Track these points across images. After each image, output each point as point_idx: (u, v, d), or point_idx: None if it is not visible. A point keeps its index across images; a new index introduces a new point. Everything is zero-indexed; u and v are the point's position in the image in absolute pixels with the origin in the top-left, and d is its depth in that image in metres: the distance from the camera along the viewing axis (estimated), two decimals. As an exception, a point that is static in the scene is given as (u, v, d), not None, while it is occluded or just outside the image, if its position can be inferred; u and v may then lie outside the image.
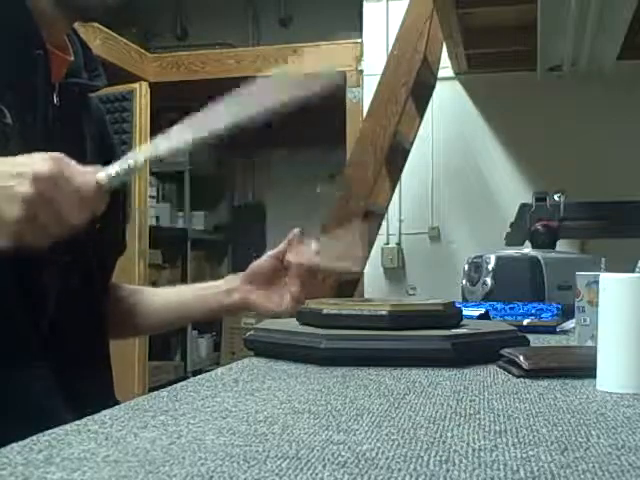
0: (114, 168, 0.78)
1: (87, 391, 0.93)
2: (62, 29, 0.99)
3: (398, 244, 3.57)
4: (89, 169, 0.76)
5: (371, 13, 3.61)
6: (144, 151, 0.79)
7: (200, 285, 1.21)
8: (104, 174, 0.77)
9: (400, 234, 3.56)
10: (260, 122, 0.83)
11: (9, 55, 0.90)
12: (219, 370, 0.91)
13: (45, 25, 0.93)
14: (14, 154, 0.86)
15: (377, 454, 0.52)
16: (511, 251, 1.93)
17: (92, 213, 0.75)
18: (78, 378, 0.94)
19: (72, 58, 1.00)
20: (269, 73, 0.88)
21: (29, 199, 0.70)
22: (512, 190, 3.32)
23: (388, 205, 3.14)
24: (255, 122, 0.84)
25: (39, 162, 0.72)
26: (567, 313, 1.43)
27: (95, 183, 0.75)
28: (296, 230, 1.14)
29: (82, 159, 1.00)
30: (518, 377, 0.85)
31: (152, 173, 3.82)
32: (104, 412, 0.65)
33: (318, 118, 3.98)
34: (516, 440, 0.56)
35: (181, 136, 0.81)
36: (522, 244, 2.26)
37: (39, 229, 0.72)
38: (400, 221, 3.55)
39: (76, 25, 1.04)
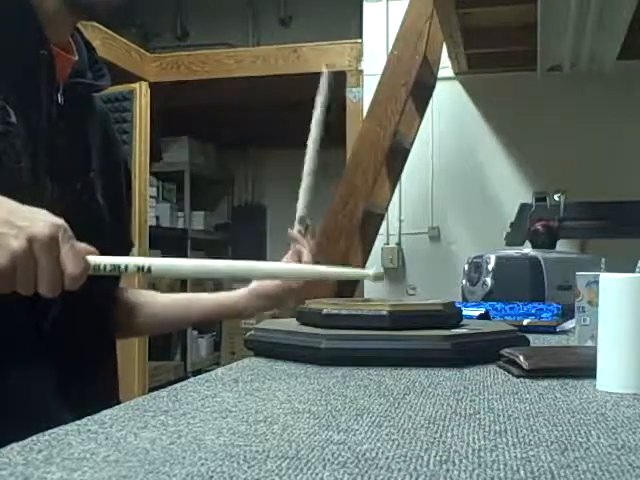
0: (107, 262, 0.77)
1: (89, 392, 0.93)
2: (66, 29, 0.99)
3: (398, 244, 3.56)
4: (84, 247, 0.75)
5: (371, 13, 3.61)
6: (140, 261, 0.79)
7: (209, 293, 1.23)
8: (95, 262, 0.76)
9: (400, 234, 3.56)
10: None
11: (14, 55, 0.90)
12: (219, 370, 0.91)
13: (49, 25, 0.93)
14: (19, 154, 0.87)
15: (377, 454, 0.52)
16: (511, 251, 1.93)
17: (67, 287, 0.74)
18: (80, 379, 0.94)
19: (76, 58, 1.00)
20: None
21: (17, 255, 0.69)
22: (512, 190, 3.31)
23: (388, 205, 3.14)
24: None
25: (41, 224, 0.71)
26: (567, 313, 1.43)
27: (83, 267, 0.74)
28: (290, 231, 1.15)
29: (86, 159, 1.00)
30: (518, 377, 0.85)
31: (152, 173, 3.82)
32: (104, 412, 0.65)
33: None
34: (516, 440, 0.56)
35: (180, 267, 0.83)
36: (522, 244, 2.26)
37: (9, 281, 0.71)
38: (400, 221, 3.55)
39: (77, 25, 1.04)
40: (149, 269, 0.78)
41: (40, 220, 0.72)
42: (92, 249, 0.76)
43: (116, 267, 0.77)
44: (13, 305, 0.87)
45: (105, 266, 0.77)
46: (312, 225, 1.19)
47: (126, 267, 0.77)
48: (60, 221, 0.73)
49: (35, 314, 0.90)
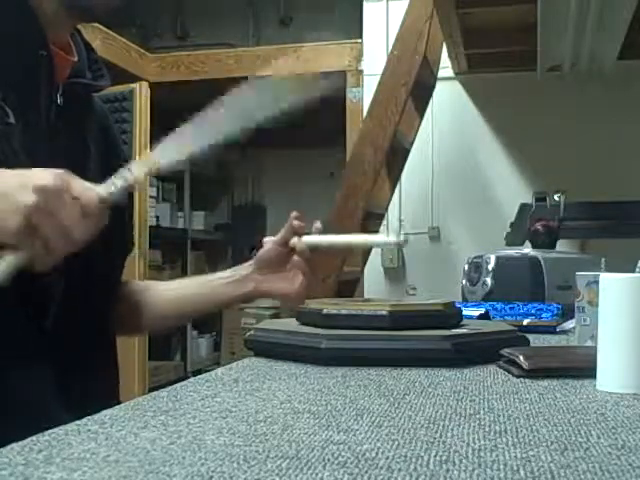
0: (115, 183, 0.78)
1: (89, 392, 0.93)
2: (66, 30, 0.99)
3: (398, 244, 3.56)
4: (91, 185, 0.77)
5: (371, 13, 3.61)
6: (143, 164, 0.79)
7: (210, 277, 1.20)
8: (105, 189, 0.77)
9: (400, 234, 3.56)
10: (259, 125, 0.84)
11: (13, 56, 0.90)
12: (219, 370, 0.91)
13: (49, 26, 0.93)
14: (17, 154, 0.87)
15: (377, 454, 0.52)
16: (511, 251, 1.93)
17: (95, 228, 0.75)
18: (80, 378, 0.94)
19: (76, 59, 1.00)
20: (266, 73, 0.89)
21: (31, 209, 0.70)
22: (512, 190, 3.32)
23: (388, 205, 3.14)
24: (253, 127, 0.85)
25: (42, 174, 0.73)
26: (567, 313, 1.43)
27: (97, 198, 0.75)
28: (294, 213, 1.13)
29: (85, 159, 1.00)
30: (518, 377, 0.85)
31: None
32: (104, 412, 0.65)
33: (318, 118, 3.98)
34: (516, 440, 0.56)
35: (179, 147, 0.81)
36: (522, 244, 2.26)
37: (42, 243, 0.72)
38: (400, 221, 3.55)
39: (77, 25, 1.04)
40: (155, 167, 0.79)
41: (40, 172, 0.73)
42: (96, 184, 0.78)
43: (124, 183, 0.78)
44: (14, 304, 0.87)
45: (118, 187, 0.78)
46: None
47: (135, 176, 0.78)
48: (59, 170, 0.74)
49: (36, 313, 0.90)
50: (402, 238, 0.86)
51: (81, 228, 0.74)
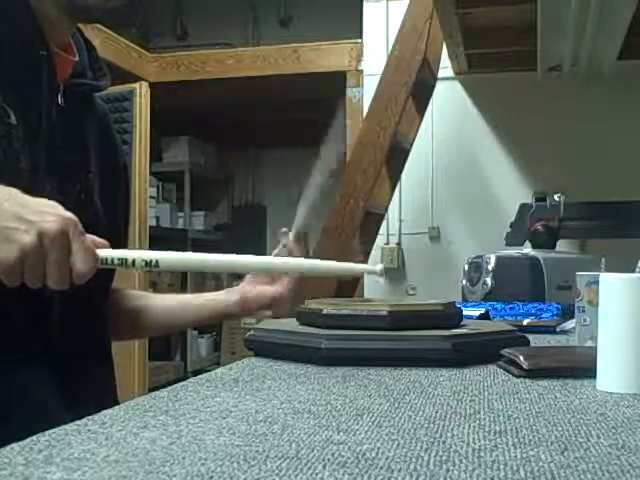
0: (115, 255, 0.78)
1: (89, 392, 0.93)
2: (66, 30, 0.99)
3: (398, 244, 3.56)
4: (93, 240, 0.76)
5: (371, 13, 3.61)
6: (147, 255, 0.79)
7: (202, 294, 1.23)
8: (104, 256, 0.77)
9: (400, 234, 3.56)
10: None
11: (14, 56, 0.90)
12: (219, 370, 0.91)
13: (49, 26, 0.93)
14: (18, 154, 0.87)
15: (377, 454, 0.52)
16: (511, 251, 1.93)
17: (75, 281, 0.75)
18: (80, 379, 0.94)
19: (76, 59, 1.00)
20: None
21: (27, 250, 0.70)
22: (512, 190, 3.31)
23: (388, 205, 3.14)
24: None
25: (52, 218, 0.72)
26: (567, 313, 1.43)
27: (92, 263, 0.74)
28: (283, 229, 1.15)
29: (85, 159, 1.00)
30: (518, 377, 0.85)
31: (152, 173, 3.82)
32: (104, 412, 0.65)
33: (318, 118, 3.99)
34: (516, 440, 0.56)
35: (186, 261, 0.83)
36: (522, 244, 2.26)
37: (18, 273, 0.72)
38: (400, 221, 3.55)
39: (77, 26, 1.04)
40: (156, 263, 0.78)
41: (51, 214, 0.72)
42: (102, 241, 0.77)
43: (124, 261, 0.78)
44: (15, 306, 0.87)
45: (113, 260, 0.77)
46: (309, 238, 1.17)
47: (134, 261, 0.78)
48: (71, 215, 0.73)
49: (37, 315, 0.90)
50: (380, 267, 0.90)
51: (62, 279, 0.73)
